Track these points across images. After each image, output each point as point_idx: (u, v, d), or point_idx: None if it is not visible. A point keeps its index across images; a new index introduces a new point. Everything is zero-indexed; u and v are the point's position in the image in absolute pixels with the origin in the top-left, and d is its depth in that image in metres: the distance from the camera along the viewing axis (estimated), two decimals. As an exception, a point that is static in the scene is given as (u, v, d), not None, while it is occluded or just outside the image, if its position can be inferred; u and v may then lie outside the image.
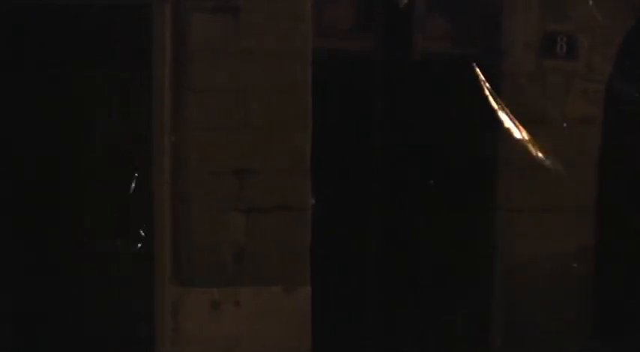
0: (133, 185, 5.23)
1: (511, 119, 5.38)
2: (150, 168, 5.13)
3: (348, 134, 5.43)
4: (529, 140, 5.40)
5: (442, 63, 5.43)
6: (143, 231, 5.17)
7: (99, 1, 5.29)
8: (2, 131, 5.19)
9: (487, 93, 5.38)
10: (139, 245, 5.19)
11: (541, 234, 5.55)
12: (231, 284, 4.91)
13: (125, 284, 5.27)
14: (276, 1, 4.85)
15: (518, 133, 5.38)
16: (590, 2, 5.36)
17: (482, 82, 5.36)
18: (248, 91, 4.85)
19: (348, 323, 5.53)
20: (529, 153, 5.42)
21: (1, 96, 5.22)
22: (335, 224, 5.35)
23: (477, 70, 5.36)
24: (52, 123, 5.39)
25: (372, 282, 5.60)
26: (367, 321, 5.61)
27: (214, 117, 4.84)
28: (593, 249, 5.65)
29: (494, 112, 5.42)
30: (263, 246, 4.92)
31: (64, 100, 5.45)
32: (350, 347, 5.54)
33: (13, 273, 5.20)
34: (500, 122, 5.41)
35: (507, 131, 5.40)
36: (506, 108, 5.38)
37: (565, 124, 5.49)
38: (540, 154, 5.41)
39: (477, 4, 5.46)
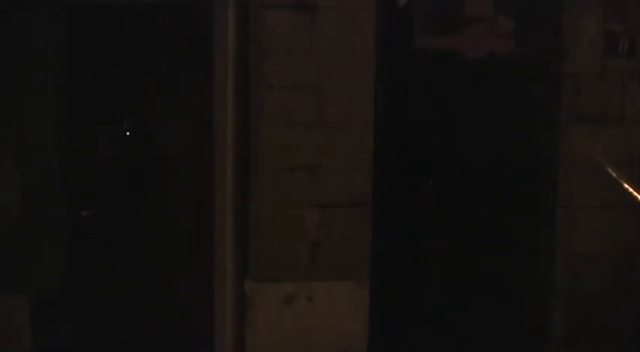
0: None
1: (572, 118, 5.46)
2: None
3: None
4: (589, 139, 5.48)
5: (504, 63, 5.49)
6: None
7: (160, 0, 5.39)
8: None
9: (549, 93, 5.47)
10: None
11: (600, 231, 5.58)
12: (305, 279, 4.99)
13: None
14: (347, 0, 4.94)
15: (579, 132, 5.46)
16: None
17: (544, 82, 5.45)
18: (321, 89, 4.93)
19: (406, 321, 5.59)
20: (589, 151, 5.49)
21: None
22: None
23: (539, 70, 5.44)
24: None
25: (430, 280, 5.66)
26: (423, 318, 5.66)
27: (288, 114, 4.92)
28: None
29: (555, 112, 5.50)
30: (335, 242, 5.00)
31: (124, 98, 5.57)
32: (408, 345, 5.60)
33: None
34: (561, 122, 5.50)
35: (568, 130, 5.49)
36: (567, 108, 5.47)
37: (624, 123, 5.55)
38: (600, 153, 5.49)
39: (537, 4, 5.52)
